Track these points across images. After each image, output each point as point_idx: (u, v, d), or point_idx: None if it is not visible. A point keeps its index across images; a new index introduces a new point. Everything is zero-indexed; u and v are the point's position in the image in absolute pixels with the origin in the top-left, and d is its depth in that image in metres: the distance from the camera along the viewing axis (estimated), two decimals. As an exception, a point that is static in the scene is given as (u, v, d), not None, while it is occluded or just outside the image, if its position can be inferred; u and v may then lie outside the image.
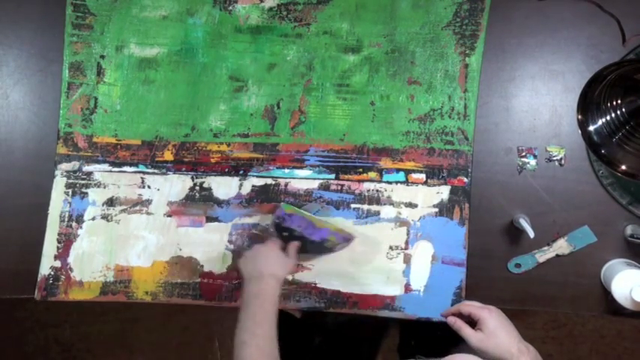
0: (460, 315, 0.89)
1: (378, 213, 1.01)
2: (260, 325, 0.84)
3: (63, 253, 1.02)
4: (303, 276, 1.01)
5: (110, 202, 1.03)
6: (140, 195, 1.03)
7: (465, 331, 0.86)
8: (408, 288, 1.00)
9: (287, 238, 0.96)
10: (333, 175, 1.02)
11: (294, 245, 0.95)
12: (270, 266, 0.91)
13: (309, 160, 1.03)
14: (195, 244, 1.02)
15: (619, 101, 0.89)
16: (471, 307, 0.88)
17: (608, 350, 1.74)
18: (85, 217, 1.03)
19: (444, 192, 1.01)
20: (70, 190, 1.03)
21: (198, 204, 1.03)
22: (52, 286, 1.02)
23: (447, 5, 1.02)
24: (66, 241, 1.02)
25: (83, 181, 1.03)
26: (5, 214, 1.04)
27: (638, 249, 0.98)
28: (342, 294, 1.01)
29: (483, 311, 0.86)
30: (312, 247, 0.97)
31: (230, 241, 1.02)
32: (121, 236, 1.03)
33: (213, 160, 1.03)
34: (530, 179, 1.01)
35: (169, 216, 1.03)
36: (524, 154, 1.01)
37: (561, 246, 0.99)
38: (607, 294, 0.97)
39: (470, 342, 0.85)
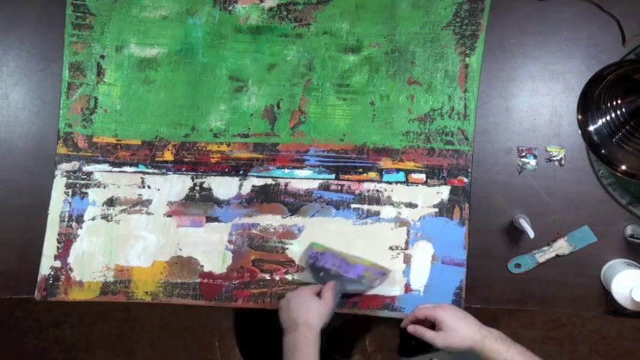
0: (419, 321, 0.90)
1: (378, 213, 1.01)
2: None
3: (63, 253, 1.02)
4: (303, 276, 1.01)
5: (110, 202, 1.03)
6: (140, 195, 1.03)
7: (427, 335, 0.87)
8: (408, 288, 1.00)
9: (323, 278, 0.96)
10: (333, 175, 1.02)
11: (329, 287, 0.93)
12: (303, 314, 0.88)
13: (309, 160, 1.03)
14: (195, 244, 1.02)
15: (619, 101, 0.89)
16: (425, 309, 0.89)
17: (608, 350, 1.74)
18: (85, 217, 1.03)
19: (444, 192, 1.01)
20: (70, 190, 1.03)
21: (198, 204, 1.03)
22: (52, 286, 1.02)
23: (447, 5, 1.02)
24: (66, 241, 1.02)
25: (83, 181, 1.03)
26: (5, 214, 1.04)
27: (638, 249, 0.98)
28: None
29: (437, 311, 0.88)
30: (350, 284, 0.96)
31: (230, 241, 1.02)
32: (121, 236, 1.03)
33: (213, 160, 1.03)
34: (530, 179, 1.01)
35: (169, 216, 1.03)
36: (524, 154, 1.01)
37: (561, 246, 0.99)
38: (607, 294, 0.97)
39: (435, 344, 0.86)
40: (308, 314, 0.89)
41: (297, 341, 0.86)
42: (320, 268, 0.96)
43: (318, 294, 0.93)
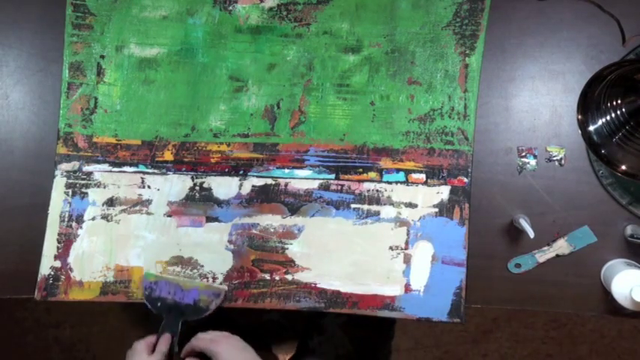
0: (198, 353, 0.88)
1: (378, 213, 1.01)
2: None
3: (63, 253, 1.02)
4: (302, 276, 1.01)
5: (110, 202, 1.03)
6: (140, 195, 1.03)
7: None
8: (408, 288, 1.00)
9: (161, 308, 0.98)
10: (333, 175, 1.02)
11: (162, 341, 0.92)
12: None
13: (309, 160, 1.03)
14: (195, 244, 1.02)
15: (619, 101, 0.89)
16: (202, 341, 0.88)
17: (608, 350, 1.74)
18: (85, 217, 1.03)
19: (444, 192, 1.01)
20: (70, 190, 1.03)
21: (198, 204, 1.03)
22: (52, 286, 1.02)
23: (447, 5, 1.02)
24: (66, 241, 1.02)
25: (83, 181, 1.03)
26: (5, 214, 1.04)
27: (638, 249, 0.98)
28: (341, 294, 1.01)
29: (212, 345, 0.86)
30: (189, 311, 0.98)
31: (230, 241, 1.02)
32: (121, 236, 1.03)
33: (213, 160, 1.03)
34: (530, 179, 1.01)
35: (169, 216, 1.03)
36: (524, 154, 1.01)
37: (561, 246, 0.99)
38: (607, 294, 0.97)
39: None
40: None
41: None
42: (156, 298, 0.98)
43: (155, 346, 0.91)
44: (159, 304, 0.98)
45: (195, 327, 0.96)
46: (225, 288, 1.00)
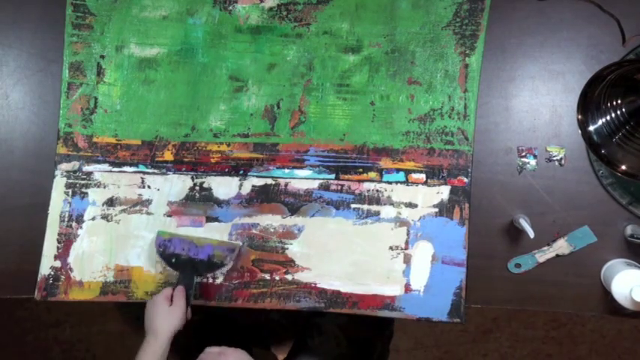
0: None
1: (378, 213, 1.01)
2: None
3: (63, 253, 1.02)
4: (302, 276, 1.01)
5: (110, 202, 1.03)
6: (140, 195, 1.03)
7: None
8: (408, 288, 1.00)
9: (175, 264, 0.99)
10: (333, 175, 1.02)
11: (178, 293, 0.95)
12: (153, 323, 0.92)
13: (309, 160, 1.03)
14: (195, 244, 1.02)
15: (619, 101, 0.89)
16: (211, 355, 0.90)
17: (608, 350, 1.74)
18: (85, 217, 1.03)
19: (444, 192, 1.01)
20: (70, 190, 1.03)
21: (198, 204, 1.03)
22: (52, 286, 1.02)
23: (447, 5, 1.02)
24: (66, 241, 1.02)
25: (83, 181, 1.03)
26: (5, 214, 1.04)
27: (638, 249, 0.98)
28: (342, 294, 1.01)
29: (220, 357, 0.89)
30: (203, 266, 0.99)
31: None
32: (121, 236, 1.03)
33: (213, 160, 1.03)
34: (530, 179, 1.01)
35: (169, 216, 1.03)
36: (524, 154, 1.01)
37: (561, 246, 0.99)
38: (607, 294, 0.97)
39: None
40: (156, 323, 0.92)
41: (143, 349, 0.91)
42: (170, 254, 0.99)
43: (172, 299, 0.95)
44: (173, 259, 0.99)
45: (204, 339, 0.96)
46: (240, 244, 1.01)
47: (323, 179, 1.02)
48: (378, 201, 1.02)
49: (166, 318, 0.92)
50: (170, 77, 1.04)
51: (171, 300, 0.95)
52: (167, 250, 0.99)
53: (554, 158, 1.00)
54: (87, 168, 1.04)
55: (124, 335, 1.74)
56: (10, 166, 1.05)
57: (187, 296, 0.96)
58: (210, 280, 1.02)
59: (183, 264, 0.99)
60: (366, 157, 1.02)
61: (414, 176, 1.02)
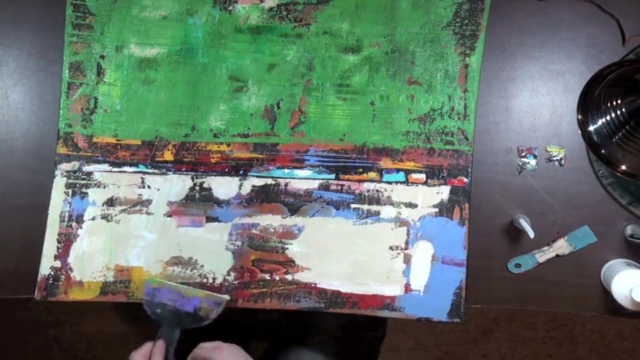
0: None
1: (378, 213, 1.01)
2: None
3: (63, 253, 1.02)
4: (302, 276, 1.01)
5: (110, 202, 1.03)
6: (140, 195, 1.03)
7: None
8: (408, 288, 1.00)
9: (161, 314, 0.97)
10: (333, 175, 1.02)
11: (157, 349, 0.92)
12: None
13: (309, 160, 1.03)
14: (195, 244, 1.02)
15: (619, 101, 0.89)
16: (204, 350, 0.89)
17: (608, 350, 1.74)
18: (85, 217, 1.03)
19: (444, 192, 1.01)
20: (70, 190, 1.03)
21: (198, 204, 1.03)
22: (52, 286, 1.02)
23: (447, 5, 1.02)
24: (66, 241, 1.02)
25: (83, 181, 1.03)
26: (5, 214, 1.04)
27: (638, 249, 0.98)
28: (342, 294, 1.01)
29: (214, 353, 0.87)
30: (187, 319, 0.97)
31: (230, 241, 1.02)
32: (121, 236, 1.03)
33: (213, 160, 1.03)
34: (530, 179, 1.01)
35: (169, 216, 1.03)
36: (524, 154, 1.01)
37: (561, 246, 0.99)
38: (607, 294, 0.97)
39: None
40: None
41: None
42: (157, 304, 0.97)
43: (151, 357, 0.91)
44: (158, 310, 0.97)
45: (197, 335, 0.96)
46: (227, 297, 0.99)
47: (323, 179, 1.03)
48: (378, 201, 1.02)
49: None
50: (170, 77, 1.04)
51: (150, 357, 0.91)
52: (154, 300, 0.97)
53: (554, 158, 1.00)
54: (87, 168, 1.04)
55: (124, 335, 1.74)
56: (10, 166, 1.05)
57: (167, 352, 0.93)
58: (210, 281, 1.02)
59: (168, 315, 0.96)
60: (366, 157, 1.02)
61: (414, 176, 1.02)
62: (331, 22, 1.03)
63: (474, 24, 1.01)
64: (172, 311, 0.97)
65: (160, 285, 0.98)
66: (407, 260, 1.01)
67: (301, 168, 1.03)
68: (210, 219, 1.03)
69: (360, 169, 1.02)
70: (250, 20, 1.04)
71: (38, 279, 1.02)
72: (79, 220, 1.03)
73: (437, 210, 1.01)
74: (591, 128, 0.90)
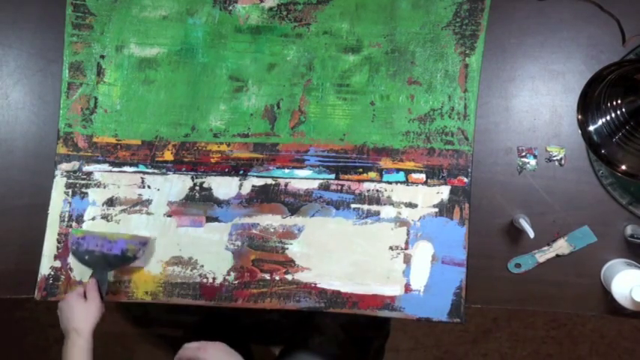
0: None
1: (378, 213, 1.01)
2: None
3: (63, 253, 1.02)
4: (302, 276, 1.01)
5: (110, 202, 1.03)
6: (140, 195, 1.03)
7: None
8: (408, 288, 1.00)
9: (89, 260, 0.98)
10: (333, 175, 1.02)
11: (91, 286, 0.95)
12: (72, 321, 0.92)
13: (309, 160, 1.03)
14: (195, 244, 1.02)
15: (619, 101, 0.89)
16: (189, 350, 0.90)
17: (608, 350, 1.74)
18: (85, 217, 1.03)
19: (444, 192, 1.01)
20: (70, 190, 1.03)
21: (198, 204, 1.03)
22: (52, 286, 1.02)
23: (447, 5, 1.02)
24: (66, 241, 1.02)
25: (83, 181, 1.03)
26: (5, 214, 1.04)
27: (638, 249, 0.98)
28: (342, 294, 1.01)
29: (200, 352, 0.89)
30: (116, 260, 0.98)
31: (230, 241, 1.02)
32: (121, 236, 1.03)
33: (213, 160, 1.03)
34: (530, 179, 1.01)
35: (169, 216, 1.03)
36: (524, 154, 1.01)
37: (561, 246, 0.99)
38: (607, 294, 0.97)
39: None
40: (75, 320, 0.92)
41: (68, 348, 0.90)
42: (84, 251, 0.98)
43: (86, 295, 0.95)
44: (86, 257, 0.98)
45: (198, 335, 0.96)
46: (150, 237, 1.01)
47: (323, 179, 1.02)
48: (378, 201, 1.02)
49: (84, 314, 0.92)
50: (170, 77, 1.04)
51: (85, 296, 0.94)
52: (80, 248, 0.98)
53: (554, 158, 1.00)
54: (87, 168, 1.04)
55: (124, 335, 1.74)
56: (10, 166, 1.05)
57: (100, 291, 0.96)
58: (210, 281, 1.02)
59: (96, 260, 0.98)
60: (366, 157, 1.02)
61: (414, 176, 1.02)
62: (331, 22, 1.03)
63: (474, 24, 1.01)
64: (100, 255, 0.98)
65: (85, 233, 0.99)
66: (407, 260, 1.01)
67: (301, 168, 1.03)
68: (210, 219, 1.03)
69: (360, 169, 1.02)
70: (250, 20, 1.04)
71: (38, 279, 1.02)
72: (79, 220, 1.03)
73: (437, 210, 1.01)
74: (591, 128, 0.90)
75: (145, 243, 1.00)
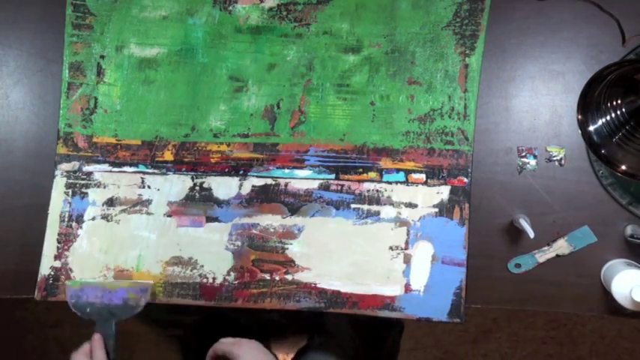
0: (220, 356, 0.90)
1: (378, 213, 1.01)
2: None
3: (63, 253, 1.02)
4: (302, 276, 1.01)
5: (110, 202, 1.03)
6: (140, 195, 1.03)
7: None
8: (408, 288, 1.00)
9: (92, 313, 0.97)
10: (333, 175, 1.02)
11: (96, 344, 0.92)
12: None
13: (309, 160, 1.03)
14: (195, 244, 1.02)
15: (619, 101, 0.89)
16: (224, 345, 0.90)
17: (608, 350, 1.74)
18: (85, 217, 1.03)
19: (444, 192, 1.01)
20: (70, 190, 1.03)
21: (198, 204, 1.03)
22: (52, 286, 1.02)
23: (447, 5, 1.02)
24: (66, 241, 1.02)
25: (83, 181, 1.03)
26: (5, 214, 1.04)
27: (638, 249, 0.98)
28: (342, 294, 1.01)
29: (234, 348, 0.88)
30: (119, 311, 0.97)
31: (230, 241, 1.02)
32: (121, 236, 1.03)
33: (213, 160, 1.03)
34: (530, 179, 1.01)
35: (169, 216, 1.03)
36: (524, 154, 1.01)
37: (561, 246, 0.99)
38: (607, 294, 0.97)
39: None
40: None
41: None
42: (84, 304, 0.97)
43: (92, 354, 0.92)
44: (88, 309, 0.97)
45: (204, 340, 0.95)
46: (152, 282, 1.00)
47: (323, 179, 1.03)
48: (378, 201, 1.02)
49: None
50: (170, 77, 1.04)
51: (91, 354, 0.92)
52: (80, 301, 0.97)
53: (554, 158, 1.00)
54: (87, 168, 1.04)
55: (124, 335, 1.74)
56: (10, 166, 1.05)
57: (107, 345, 0.93)
58: (210, 281, 1.02)
59: (98, 312, 0.97)
60: (366, 157, 1.02)
61: (414, 176, 1.02)
62: (331, 22, 1.03)
63: (474, 24, 1.01)
64: (101, 307, 0.97)
65: (82, 285, 0.98)
66: (407, 260, 1.01)
67: (301, 168, 1.03)
68: (210, 219, 1.03)
69: (360, 169, 1.02)
70: (250, 20, 1.04)
71: (38, 279, 1.02)
72: (79, 220, 1.03)
73: (437, 210, 1.01)
74: (591, 128, 0.90)
75: (145, 290, 0.99)
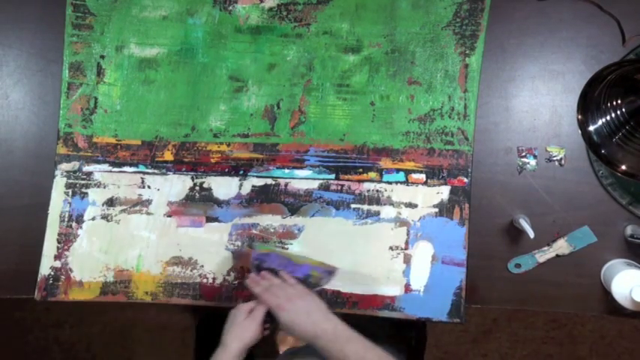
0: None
1: (378, 213, 1.01)
2: None
3: (63, 254, 1.02)
4: (303, 276, 1.01)
5: (110, 202, 1.03)
6: (140, 195, 1.03)
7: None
8: (408, 288, 1.00)
9: None
10: (333, 176, 1.02)
11: (259, 306, 0.90)
12: (226, 333, 0.88)
13: (309, 160, 1.03)
14: (195, 244, 1.02)
15: (619, 101, 0.89)
16: (271, 297, 0.89)
17: (608, 350, 1.74)
18: (85, 217, 1.03)
19: (444, 192, 1.01)
20: (70, 190, 1.03)
21: (198, 204, 1.03)
22: (52, 286, 1.02)
23: (447, 5, 1.02)
24: (66, 241, 1.02)
25: (83, 181, 1.03)
26: (5, 214, 1.04)
27: (638, 249, 0.98)
28: (342, 294, 1.01)
29: (276, 310, 0.88)
30: None
31: (230, 241, 1.02)
32: (121, 236, 1.03)
33: (213, 160, 1.03)
34: (530, 179, 1.01)
35: (169, 216, 1.03)
36: (524, 154, 1.01)
37: (561, 246, 0.99)
38: (607, 294, 0.97)
39: (279, 319, 0.88)
40: (228, 333, 0.88)
41: (215, 356, 0.87)
42: (266, 269, 0.95)
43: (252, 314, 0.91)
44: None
45: (207, 339, 0.93)
46: (339, 268, 0.97)
47: (323, 179, 1.03)
48: (378, 201, 1.02)
49: (239, 331, 0.88)
50: (170, 77, 1.04)
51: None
52: (262, 265, 0.94)
53: (554, 158, 1.00)
54: (87, 168, 1.04)
55: (124, 335, 1.74)
56: (10, 166, 1.05)
57: (265, 316, 0.90)
58: (210, 281, 1.02)
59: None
60: (366, 157, 1.02)
61: (414, 176, 1.02)
62: (331, 22, 1.03)
63: (474, 24, 1.01)
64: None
65: (270, 250, 0.96)
66: (407, 260, 1.01)
67: (301, 168, 1.03)
68: (210, 219, 1.03)
69: (360, 169, 1.02)
70: (250, 20, 1.04)
71: (38, 279, 1.02)
72: (79, 220, 1.03)
73: (437, 210, 1.01)
74: (591, 128, 0.90)
75: (331, 272, 0.97)
